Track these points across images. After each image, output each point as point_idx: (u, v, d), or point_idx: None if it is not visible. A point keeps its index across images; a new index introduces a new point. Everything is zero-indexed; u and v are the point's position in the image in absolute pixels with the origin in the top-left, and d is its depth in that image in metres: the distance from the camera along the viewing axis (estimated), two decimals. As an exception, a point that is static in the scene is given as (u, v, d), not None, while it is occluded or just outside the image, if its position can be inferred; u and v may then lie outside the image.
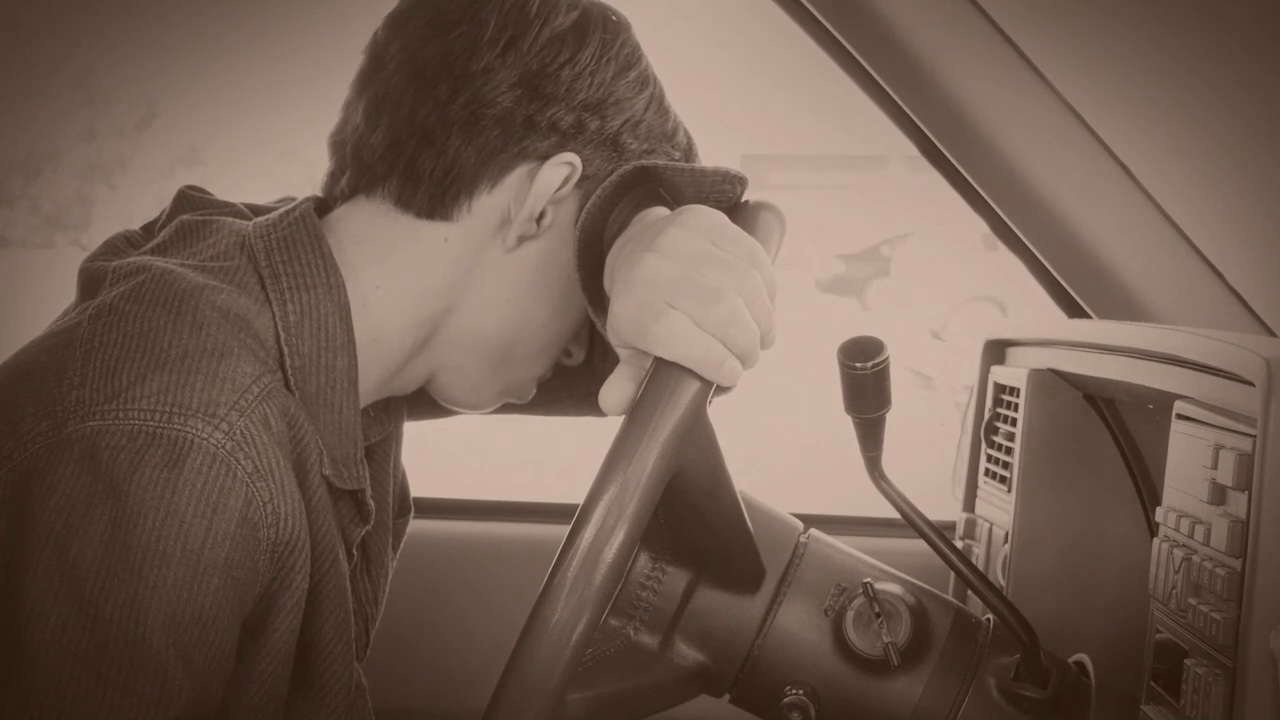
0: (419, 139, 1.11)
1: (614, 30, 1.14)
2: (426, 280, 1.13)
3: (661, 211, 1.08)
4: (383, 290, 1.12)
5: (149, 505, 0.96)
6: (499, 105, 1.11)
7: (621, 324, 1.00)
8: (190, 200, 1.18)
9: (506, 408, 1.27)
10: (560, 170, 1.11)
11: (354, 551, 1.16)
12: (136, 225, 1.20)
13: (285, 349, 1.07)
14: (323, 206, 1.17)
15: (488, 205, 1.13)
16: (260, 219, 1.14)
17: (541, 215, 1.13)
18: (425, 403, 1.26)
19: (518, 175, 1.12)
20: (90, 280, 1.10)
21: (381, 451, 1.23)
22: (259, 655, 1.05)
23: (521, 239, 1.13)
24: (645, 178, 1.11)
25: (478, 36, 1.11)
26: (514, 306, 1.15)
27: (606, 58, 1.13)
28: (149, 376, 1.00)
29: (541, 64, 1.11)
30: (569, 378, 1.26)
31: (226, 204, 1.18)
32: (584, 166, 1.12)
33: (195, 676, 0.99)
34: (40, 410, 0.99)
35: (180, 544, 0.97)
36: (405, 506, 1.30)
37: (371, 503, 1.15)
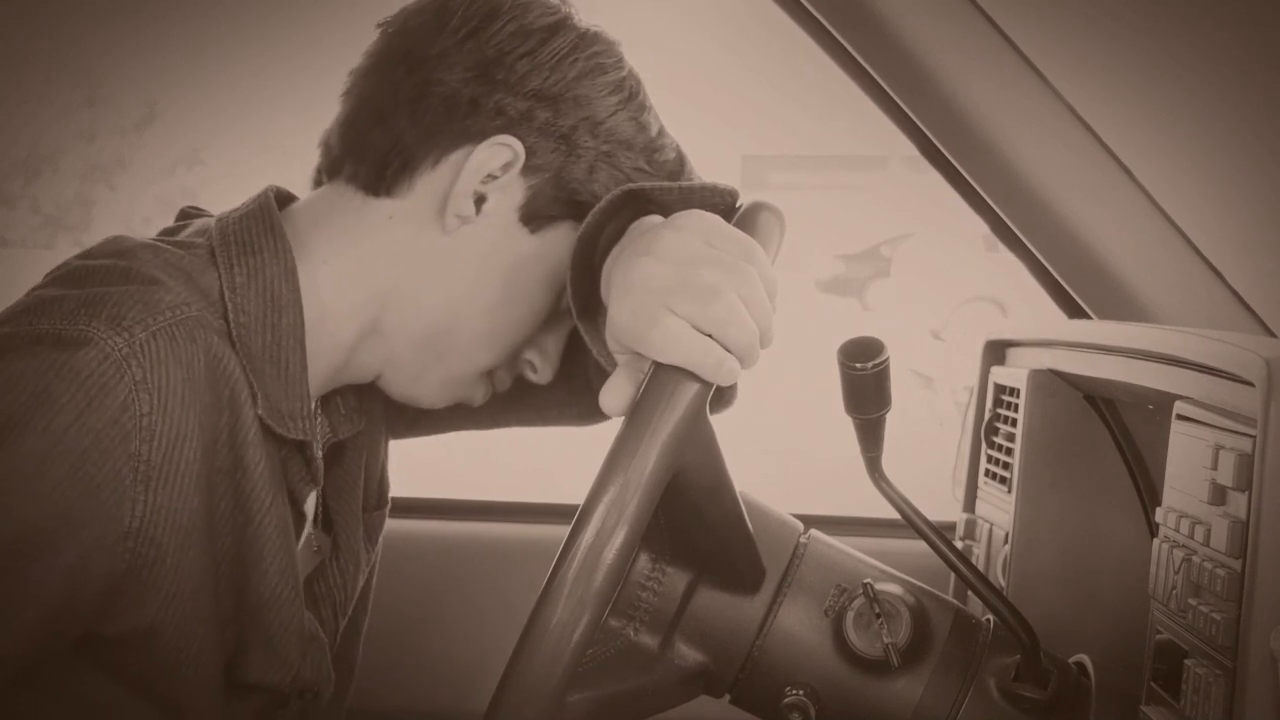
0: (372, 117, 1.14)
1: (592, 40, 1.15)
2: (372, 258, 1.15)
3: (655, 219, 1.08)
4: (330, 266, 1.14)
5: (28, 378, 0.98)
6: (447, 85, 1.12)
7: (619, 330, 1.00)
8: (186, 216, 1.22)
9: (488, 419, 1.27)
10: (498, 152, 1.12)
11: (304, 510, 1.17)
12: (136, 225, 1.23)
13: (230, 306, 1.09)
14: (295, 199, 1.20)
15: (430, 184, 1.14)
16: (226, 210, 1.17)
17: (483, 200, 1.13)
18: (407, 419, 1.27)
19: (459, 155, 1.13)
20: None
21: (354, 447, 1.24)
22: (153, 600, 1.03)
23: (461, 220, 1.14)
24: (633, 199, 1.11)
25: (442, 24, 1.14)
26: (451, 293, 1.16)
27: (574, 57, 1.14)
28: (69, 297, 1.03)
29: (499, 52, 1.13)
30: (564, 394, 1.26)
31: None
32: (529, 156, 1.13)
33: (17, 560, 0.98)
34: None
35: (44, 421, 0.97)
36: (382, 501, 1.30)
37: (319, 457, 1.16)
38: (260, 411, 1.09)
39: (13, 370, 0.99)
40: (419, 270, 1.15)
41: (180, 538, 1.04)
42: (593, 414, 1.22)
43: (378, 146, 1.14)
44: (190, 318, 1.05)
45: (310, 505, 1.20)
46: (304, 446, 1.14)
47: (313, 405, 1.14)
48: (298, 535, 1.17)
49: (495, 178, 1.13)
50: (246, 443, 1.08)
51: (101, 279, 1.06)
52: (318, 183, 1.20)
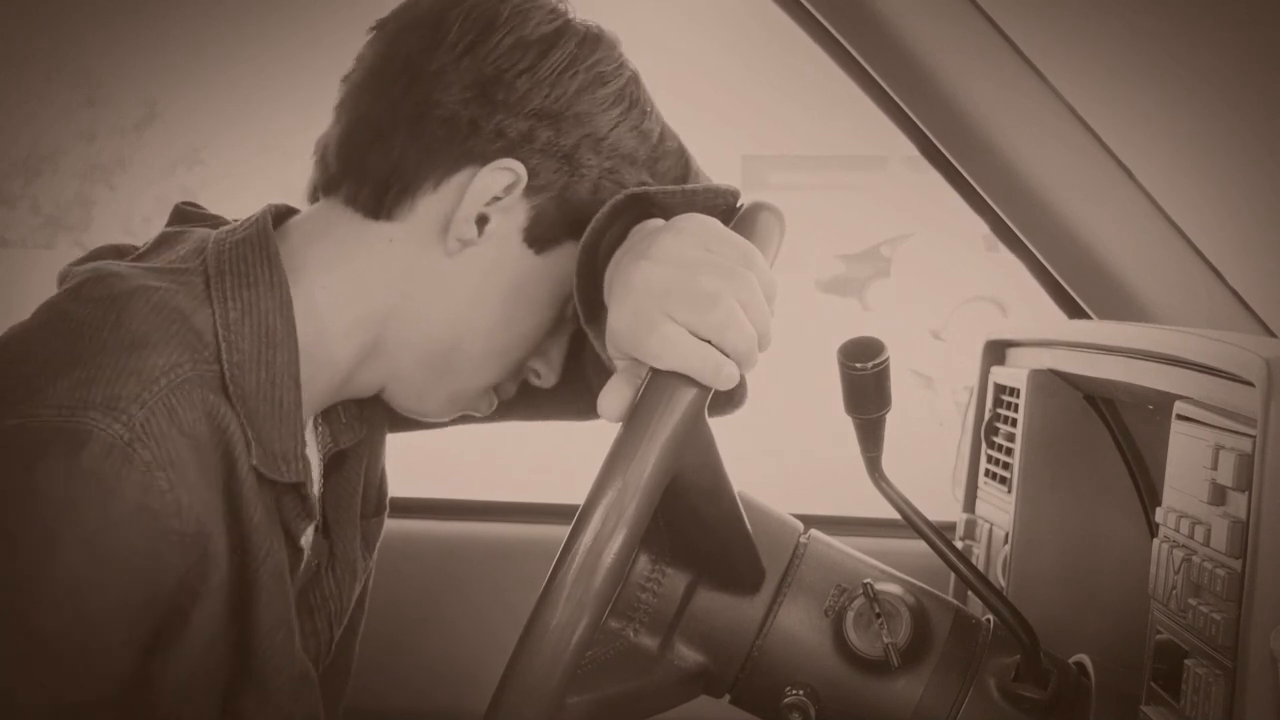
0: (370, 136, 1.13)
1: (592, 45, 1.14)
2: (371, 281, 1.14)
3: (657, 223, 1.08)
4: (328, 290, 1.13)
5: (44, 493, 0.97)
6: (446, 106, 1.11)
7: (618, 336, 1.00)
8: (183, 214, 1.21)
9: (488, 416, 1.27)
10: (500, 176, 1.11)
11: (302, 546, 1.16)
12: (136, 225, 1.22)
13: (223, 345, 1.08)
14: (294, 213, 1.18)
15: (431, 207, 1.13)
16: (223, 227, 1.15)
17: (484, 221, 1.12)
18: (409, 420, 1.26)
19: (461, 178, 1.12)
20: (61, 282, 1.13)
21: (355, 454, 1.23)
22: (181, 647, 1.04)
23: (463, 243, 1.13)
24: (636, 203, 1.11)
25: (439, 39, 1.11)
26: (454, 314, 1.15)
27: (573, 70, 1.12)
28: (64, 374, 1.01)
29: (498, 69, 1.11)
30: (565, 394, 1.25)
31: (214, 217, 1.20)
32: (532, 177, 1.12)
33: (89, 663, 0.99)
34: None
35: (74, 530, 0.97)
36: (380, 507, 1.30)
37: (315, 497, 1.15)
38: (255, 462, 1.08)
39: (29, 483, 0.98)
40: (420, 292, 1.14)
41: (201, 599, 1.04)
42: (592, 411, 1.22)
43: (377, 169, 1.12)
44: (185, 380, 1.04)
45: (308, 537, 1.19)
46: (298, 486, 1.13)
47: (311, 425, 1.13)
48: (294, 570, 1.16)
49: (498, 199, 1.12)
50: (242, 495, 1.07)
51: (91, 336, 1.04)
52: (313, 197, 1.18)
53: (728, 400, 1.08)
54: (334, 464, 1.22)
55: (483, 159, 1.11)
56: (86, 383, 1.01)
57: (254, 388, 1.08)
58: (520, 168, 1.11)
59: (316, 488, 1.19)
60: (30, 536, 0.98)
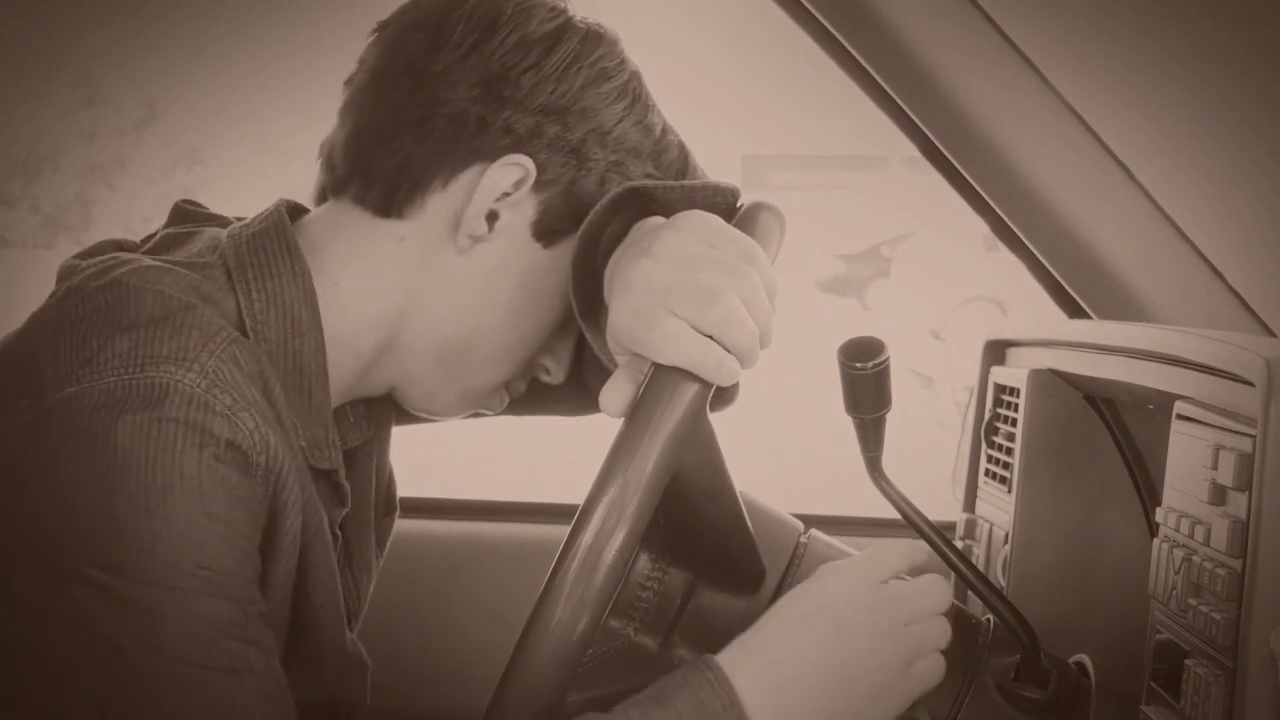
0: (375, 137, 1.13)
1: (594, 42, 1.14)
2: (384, 280, 1.14)
3: (658, 221, 1.08)
4: (344, 288, 1.13)
5: (138, 446, 0.96)
6: (453, 105, 1.11)
7: (619, 331, 1.00)
8: (184, 213, 1.20)
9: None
10: (510, 171, 1.11)
11: (337, 532, 1.17)
12: (136, 225, 1.21)
13: (251, 335, 1.08)
14: (303, 212, 1.19)
15: (441, 204, 1.13)
16: (236, 224, 1.16)
17: (495, 217, 1.13)
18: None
19: (470, 175, 1.12)
20: (64, 274, 1.12)
21: (364, 453, 1.23)
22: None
23: (474, 240, 1.13)
24: (636, 198, 1.11)
25: (442, 40, 1.12)
26: (466, 310, 1.15)
27: (577, 66, 1.13)
28: (117, 338, 1.01)
29: (503, 67, 1.11)
30: (570, 391, 1.26)
31: (217, 216, 1.20)
32: (540, 172, 1.12)
33: (228, 597, 0.98)
34: (19, 390, 1.00)
35: (178, 473, 0.96)
36: (390, 506, 1.30)
37: (347, 484, 1.16)
38: (302, 443, 1.09)
39: (111, 442, 0.96)
40: (432, 289, 1.14)
41: (275, 555, 1.04)
42: (590, 406, 1.22)
43: (385, 169, 1.13)
44: (237, 337, 1.04)
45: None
46: (331, 473, 1.13)
47: (333, 432, 1.13)
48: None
49: (508, 194, 1.12)
50: (295, 465, 1.06)
51: (136, 305, 1.03)
52: (321, 198, 1.18)
53: (720, 398, 1.08)
54: (344, 464, 1.22)
55: (491, 155, 1.12)
56: (148, 340, 1.00)
57: (283, 377, 1.09)
58: (529, 163, 1.12)
59: None
60: (128, 493, 0.96)
